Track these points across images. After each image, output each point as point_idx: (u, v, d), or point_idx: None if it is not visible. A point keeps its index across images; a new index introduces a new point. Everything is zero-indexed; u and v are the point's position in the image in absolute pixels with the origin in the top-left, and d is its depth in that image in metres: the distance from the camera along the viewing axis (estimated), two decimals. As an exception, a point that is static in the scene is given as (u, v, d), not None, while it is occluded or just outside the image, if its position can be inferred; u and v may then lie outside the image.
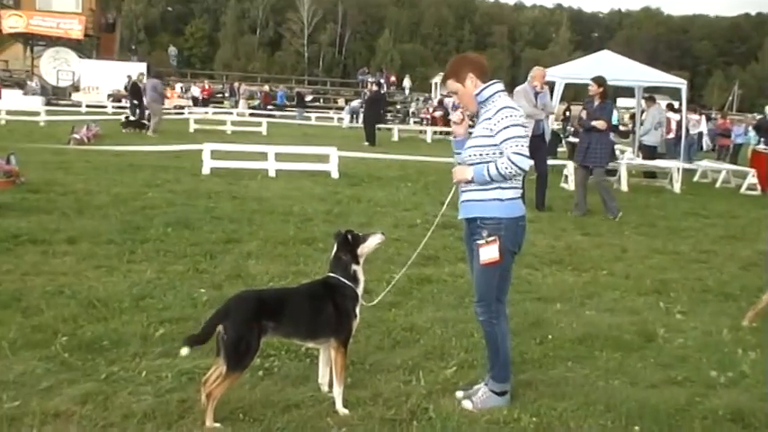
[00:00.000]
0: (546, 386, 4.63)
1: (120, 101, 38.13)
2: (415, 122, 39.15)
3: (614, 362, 5.14)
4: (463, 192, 4.30)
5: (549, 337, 5.57)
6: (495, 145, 4.12)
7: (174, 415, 3.92)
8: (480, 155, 4.17)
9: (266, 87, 48.43)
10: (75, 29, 43.65)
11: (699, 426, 4.15)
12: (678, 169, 16.32)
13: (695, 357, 5.32)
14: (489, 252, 4.14)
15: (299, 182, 13.53)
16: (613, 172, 15.98)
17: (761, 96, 72.66)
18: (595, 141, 11.56)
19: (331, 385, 4.21)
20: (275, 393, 4.27)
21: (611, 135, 12.65)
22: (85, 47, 45.67)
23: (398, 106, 44.44)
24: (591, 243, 9.48)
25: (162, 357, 4.67)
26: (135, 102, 26.10)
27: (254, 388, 4.31)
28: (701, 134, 23.97)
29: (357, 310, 4.24)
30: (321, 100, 52.22)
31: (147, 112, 24.40)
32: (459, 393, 4.40)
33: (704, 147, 24.88)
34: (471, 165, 4.21)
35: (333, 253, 4.34)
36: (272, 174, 14.23)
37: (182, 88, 46.90)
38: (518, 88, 12.09)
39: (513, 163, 4.04)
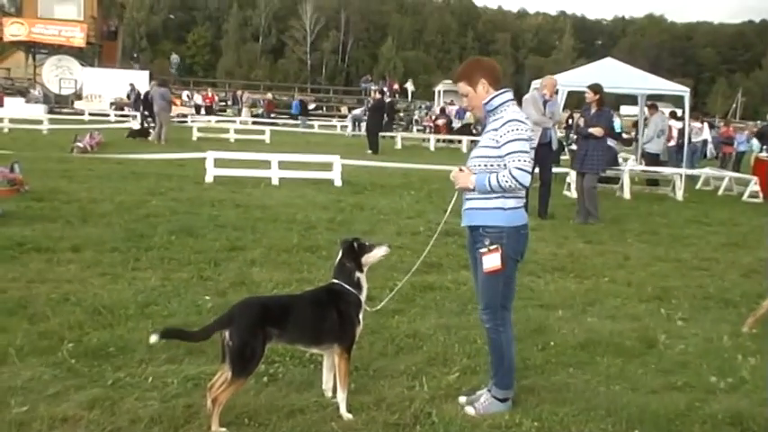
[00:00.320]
0: (548, 392, 4.67)
1: (122, 109, 38.30)
2: (418, 130, 39.22)
3: (615, 368, 5.18)
4: (466, 200, 4.35)
5: (552, 343, 5.61)
6: (500, 157, 4.15)
7: (180, 420, 3.97)
8: (485, 165, 4.21)
9: (269, 95, 48.45)
10: (78, 37, 43.85)
11: (698, 430, 4.19)
12: (681, 177, 16.35)
13: (696, 363, 5.36)
14: (492, 260, 4.18)
15: (302, 190, 13.58)
16: (616, 180, 16.04)
17: (764, 104, 72.75)
18: (593, 148, 11.65)
19: (335, 391, 4.25)
20: (280, 399, 4.31)
21: (614, 143, 12.71)
22: (87, 55, 45.89)
23: (401, 114, 44.50)
24: (593, 251, 9.52)
25: (167, 363, 4.72)
26: (146, 113, 26.22)
27: (258, 393, 4.35)
28: (705, 141, 23.99)
29: (360, 316, 4.28)
30: (324, 108, 52.27)
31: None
32: (462, 399, 4.44)
33: (708, 154, 24.87)
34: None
35: (337, 260, 4.39)
36: (275, 182, 14.28)
37: (188, 96, 46.94)
38: (527, 96, 12.15)
39: (513, 177, 4.08)
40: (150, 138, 23.72)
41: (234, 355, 3.85)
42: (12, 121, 26.24)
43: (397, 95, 52.73)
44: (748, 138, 24.57)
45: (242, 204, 11.45)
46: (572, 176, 14.79)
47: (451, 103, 42.60)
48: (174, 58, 64.75)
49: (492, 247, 4.17)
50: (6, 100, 36.72)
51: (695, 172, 19.18)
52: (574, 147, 19.77)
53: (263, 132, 27.42)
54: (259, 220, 10.10)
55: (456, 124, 35.82)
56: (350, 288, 4.27)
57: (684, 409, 4.45)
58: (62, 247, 7.88)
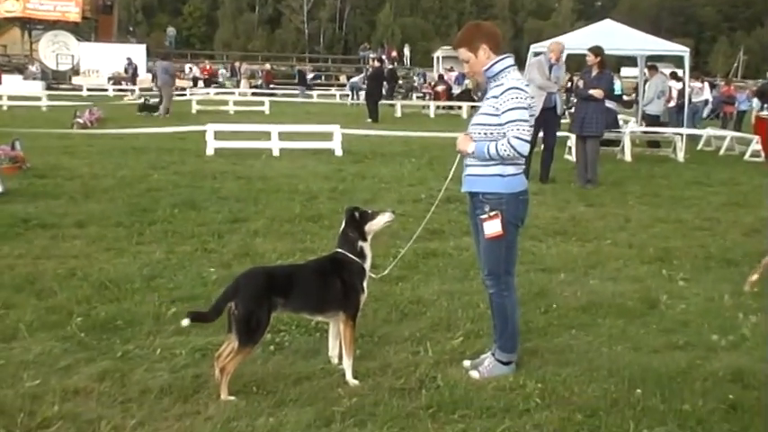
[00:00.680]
0: (550, 353, 4.73)
1: (120, 83, 38.09)
2: (417, 97, 39.00)
3: (617, 329, 5.24)
4: (466, 166, 4.37)
5: (554, 306, 5.67)
6: (500, 125, 4.15)
7: (189, 389, 4.04)
8: (485, 133, 4.22)
9: (267, 66, 48.08)
10: (73, 11, 43.39)
11: (699, 387, 4.24)
12: (682, 138, 16.31)
13: (697, 322, 5.42)
14: (492, 226, 4.21)
15: (303, 160, 13.59)
16: (617, 142, 15.99)
17: (766, 62, 72.02)
18: (592, 111, 11.60)
19: (341, 358, 4.32)
20: (287, 367, 4.38)
21: (614, 104, 12.65)
22: (83, 29, 45.41)
23: (401, 81, 44.20)
24: (595, 214, 9.55)
25: (175, 335, 4.78)
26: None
27: (266, 362, 4.42)
28: (706, 102, 23.86)
29: (364, 284, 4.32)
30: (323, 77, 51.94)
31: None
32: (467, 363, 4.50)
33: (706, 113, 24.73)
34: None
35: (341, 229, 4.42)
36: (276, 153, 14.28)
37: (190, 69, 46.56)
38: (533, 60, 12.06)
39: (512, 147, 4.09)
40: (157, 113, 23.60)
41: (240, 324, 3.90)
42: (10, 98, 26.12)
43: (395, 63, 52.34)
44: (749, 97, 24.42)
45: (243, 176, 11.47)
46: (572, 140, 14.76)
47: (451, 69, 42.27)
48: (171, 31, 64.14)
49: (492, 214, 4.20)
50: (4, 77, 36.41)
51: (696, 131, 19.12)
52: (574, 110, 19.76)
53: (262, 104, 27.32)
54: (261, 192, 10.13)
55: (456, 90, 35.63)
56: (353, 257, 4.30)
57: (686, 368, 4.51)
58: (66, 223, 7.94)
